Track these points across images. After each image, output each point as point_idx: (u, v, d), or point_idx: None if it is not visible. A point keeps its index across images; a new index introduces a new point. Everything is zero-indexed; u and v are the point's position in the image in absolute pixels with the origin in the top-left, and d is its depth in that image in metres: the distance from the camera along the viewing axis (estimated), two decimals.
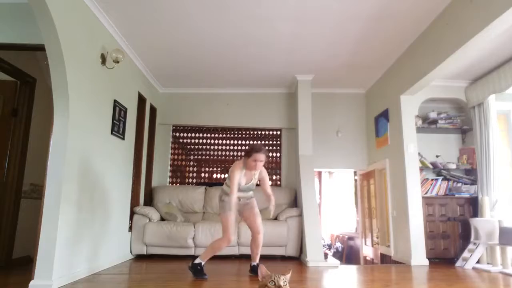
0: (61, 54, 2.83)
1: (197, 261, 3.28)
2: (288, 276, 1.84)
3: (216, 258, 4.45)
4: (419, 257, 4.19)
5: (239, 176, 3.25)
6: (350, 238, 7.11)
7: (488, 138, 4.39)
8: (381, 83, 5.21)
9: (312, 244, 4.32)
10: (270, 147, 5.70)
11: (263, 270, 1.87)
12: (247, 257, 4.49)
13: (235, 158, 5.75)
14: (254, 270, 3.41)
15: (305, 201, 4.63)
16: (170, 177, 5.68)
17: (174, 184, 5.66)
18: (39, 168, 3.92)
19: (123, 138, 4.13)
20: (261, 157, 3.22)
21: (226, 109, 5.74)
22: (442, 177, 4.76)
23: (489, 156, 4.34)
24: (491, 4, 2.83)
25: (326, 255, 6.29)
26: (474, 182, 4.66)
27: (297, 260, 4.56)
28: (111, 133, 3.83)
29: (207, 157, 5.78)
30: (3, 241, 3.76)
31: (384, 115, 5.01)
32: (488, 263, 4.11)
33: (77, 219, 3.14)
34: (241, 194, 3.38)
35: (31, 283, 2.66)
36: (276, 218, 4.81)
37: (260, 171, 3.38)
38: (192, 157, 5.83)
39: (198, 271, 3.25)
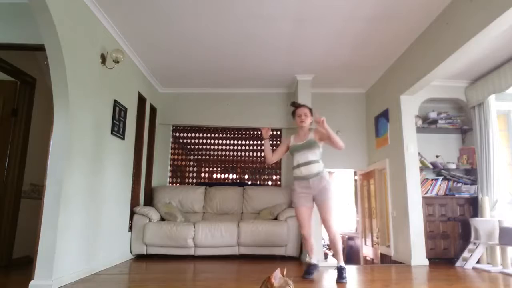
0: (61, 54, 2.83)
1: (312, 261, 3.31)
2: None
3: (216, 258, 4.47)
4: (419, 257, 4.19)
5: (285, 144, 3.39)
6: (350, 238, 7.11)
7: (488, 138, 4.39)
8: (381, 83, 5.21)
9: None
10: (271, 147, 5.69)
11: (278, 275, 1.86)
12: (247, 257, 4.50)
13: (235, 158, 5.75)
14: (338, 273, 3.08)
15: None
16: (170, 177, 5.68)
17: (174, 184, 5.66)
18: (39, 168, 3.92)
19: (123, 138, 4.13)
20: (302, 110, 3.29)
21: (226, 109, 5.74)
22: (442, 177, 4.76)
23: (489, 156, 4.34)
24: (491, 4, 2.83)
25: (326, 255, 6.30)
26: (474, 182, 4.66)
27: (297, 260, 4.56)
28: (111, 133, 3.83)
29: (207, 157, 5.79)
30: (3, 241, 3.76)
31: (384, 115, 5.01)
32: (488, 263, 4.11)
33: (77, 219, 3.14)
34: (304, 157, 3.16)
35: (31, 283, 2.66)
36: (276, 218, 4.81)
37: (318, 132, 3.23)
38: (192, 157, 5.83)
39: (309, 268, 3.26)
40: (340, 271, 3.04)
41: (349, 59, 4.62)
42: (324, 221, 3.15)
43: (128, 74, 4.39)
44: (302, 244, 4.57)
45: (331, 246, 3.20)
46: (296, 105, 3.37)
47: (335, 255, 3.17)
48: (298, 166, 3.16)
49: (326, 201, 3.10)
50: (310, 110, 3.33)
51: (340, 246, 3.10)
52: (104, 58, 3.61)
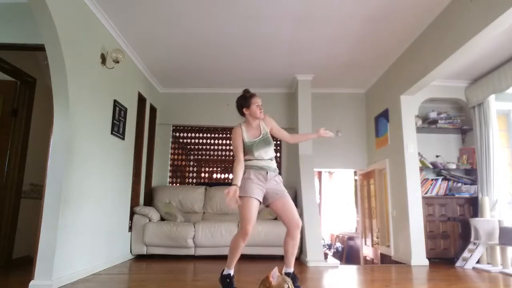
0: (61, 54, 2.83)
1: (225, 272, 2.70)
2: None
3: (216, 258, 4.46)
4: (419, 257, 4.19)
5: (240, 138, 2.74)
6: (350, 238, 7.11)
7: (488, 138, 4.39)
8: (381, 83, 5.21)
9: (312, 244, 4.31)
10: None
11: (276, 273, 1.88)
12: (246, 257, 4.49)
13: (235, 158, 5.74)
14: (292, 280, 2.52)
15: (305, 201, 4.63)
16: (170, 177, 5.69)
17: (174, 184, 5.66)
18: (39, 168, 3.92)
19: (123, 138, 4.13)
20: (260, 99, 2.81)
21: (226, 109, 5.73)
22: (442, 177, 4.76)
23: (489, 156, 4.34)
24: (491, 4, 2.83)
25: (326, 255, 6.30)
26: (474, 182, 4.66)
27: (297, 260, 4.55)
28: (111, 133, 3.83)
29: (207, 157, 5.79)
30: (3, 241, 3.76)
31: (384, 115, 5.01)
32: (488, 263, 4.11)
33: (77, 219, 3.14)
34: (264, 154, 2.72)
35: (31, 283, 2.66)
36: (276, 218, 4.81)
37: (267, 122, 2.87)
38: (192, 157, 5.83)
39: (226, 285, 2.64)
40: (295, 278, 2.64)
41: (349, 59, 4.62)
42: (293, 214, 2.64)
43: (128, 74, 4.39)
44: (302, 244, 4.57)
45: (293, 248, 2.67)
46: (251, 94, 2.82)
47: (291, 259, 2.69)
48: (259, 159, 2.71)
49: (288, 198, 2.69)
50: None
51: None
52: (104, 58, 3.61)
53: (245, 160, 2.74)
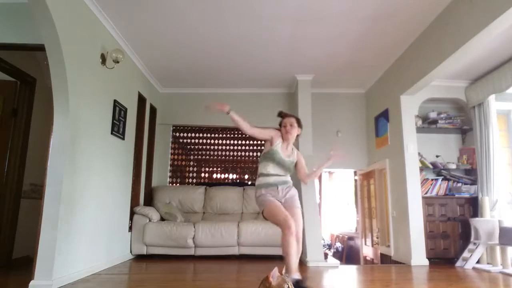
0: (61, 54, 2.83)
1: (292, 279, 2.40)
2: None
3: (216, 258, 4.47)
4: (419, 257, 4.19)
5: (270, 134, 2.83)
6: (350, 238, 7.11)
7: (488, 138, 4.39)
8: (381, 83, 5.21)
9: (312, 244, 4.31)
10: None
11: (276, 274, 1.88)
12: (247, 257, 4.50)
13: (235, 158, 5.75)
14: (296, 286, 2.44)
15: (305, 201, 4.62)
16: (170, 177, 5.68)
17: (174, 184, 5.66)
18: (39, 168, 3.92)
19: (123, 138, 4.13)
20: (290, 120, 2.89)
21: None
22: (442, 177, 4.76)
23: (489, 156, 4.34)
24: (491, 4, 2.83)
25: (326, 255, 6.31)
26: (474, 182, 4.66)
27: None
28: (111, 133, 3.83)
29: (207, 157, 5.79)
30: (3, 241, 3.76)
31: (384, 115, 5.01)
32: (488, 263, 4.11)
33: (77, 219, 3.14)
34: (277, 171, 2.82)
35: (31, 283, 2.66)
36: None
37: (297, 154, 2.99)
38: (192, 157, 5.83)
39: None
40: (299, 284, 2.55)
41: (349, 59, 4.62)
42: (297, 230, 2.69)
43: (128, 74, 4.39)
44: (302, 244, 4.56)
45: (294, 259, 2.64)
46: (282, 115, 2.99)
47: (293, 268, 2.63)
48: (270, 175, 2.82)
49: (296, 209, 2.77)
50: (298, 120, 2.95)
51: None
52: (104, 58, 3.61)
53: (258, 176, 2.88)
